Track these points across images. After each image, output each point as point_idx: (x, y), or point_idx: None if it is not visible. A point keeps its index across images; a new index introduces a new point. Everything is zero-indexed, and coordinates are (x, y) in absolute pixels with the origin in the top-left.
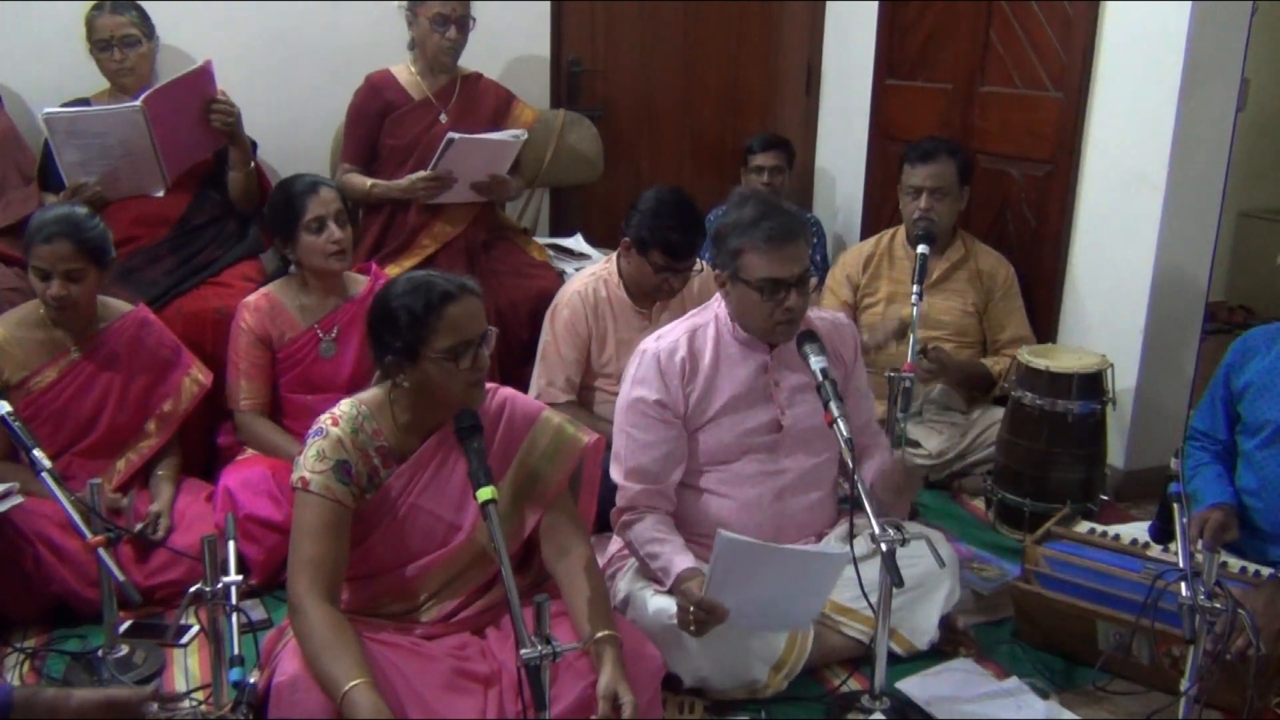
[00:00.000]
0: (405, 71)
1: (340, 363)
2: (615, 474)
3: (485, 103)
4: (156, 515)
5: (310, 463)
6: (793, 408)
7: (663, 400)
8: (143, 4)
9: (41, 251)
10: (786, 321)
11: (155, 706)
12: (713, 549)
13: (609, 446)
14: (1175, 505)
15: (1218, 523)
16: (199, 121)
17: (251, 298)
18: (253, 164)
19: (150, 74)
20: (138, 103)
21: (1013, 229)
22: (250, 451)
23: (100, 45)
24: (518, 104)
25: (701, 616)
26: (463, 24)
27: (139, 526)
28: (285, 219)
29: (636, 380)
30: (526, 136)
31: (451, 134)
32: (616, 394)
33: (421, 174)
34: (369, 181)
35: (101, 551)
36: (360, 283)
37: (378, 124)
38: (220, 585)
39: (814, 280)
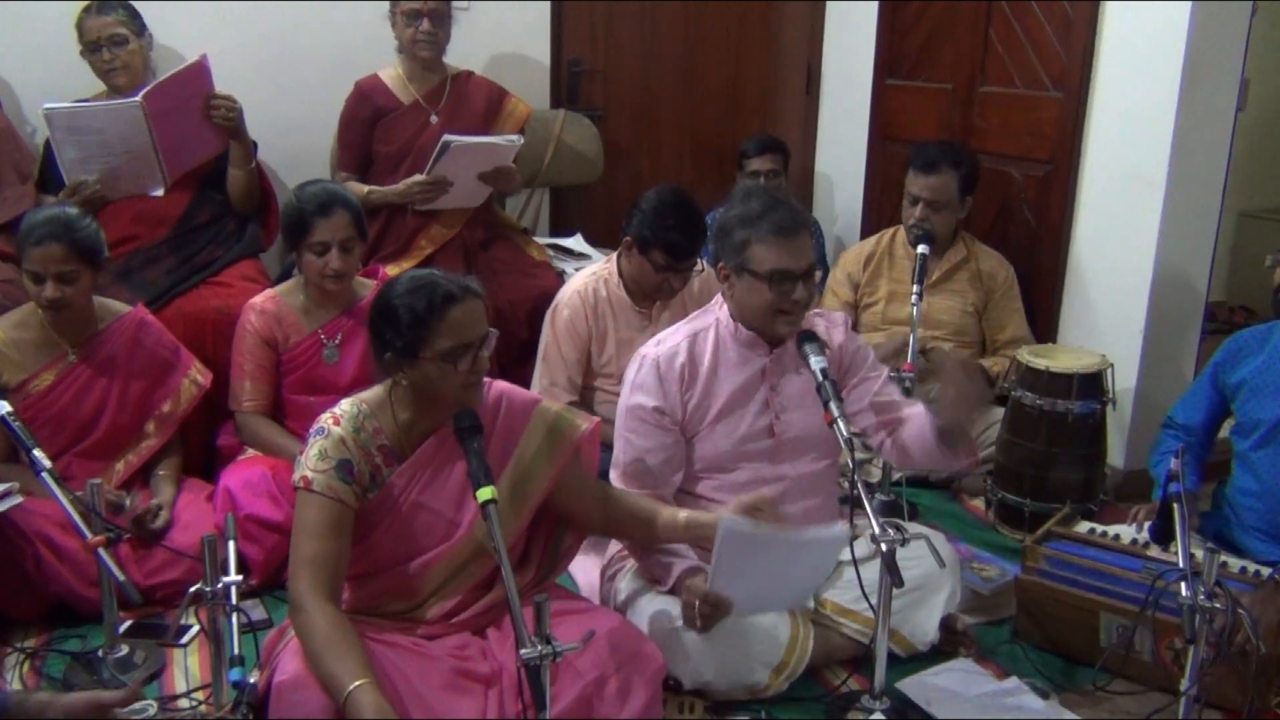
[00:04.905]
0: (394, 75)
1: (343, 367)
2: (615, 478)
3: (476, 101)
4: (158, 507)
5: (312, 462)
6: (789, 413)
7: (661, 407)
8: (135, 3)
9: (34, 255)
10: (790, 314)
11: (154, 706)
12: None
13: (608, 446)
14: (1175, 505)
15: (1153, 510)
16: (200, 121)
17: (258, 299)
18: (254, 163)
19: (144, 71)
20: (137, 98)
21: (1013, 229)
22: (251, 452)
23: (90, 47)
24: (510, 99)
25: (708, 611)
26: (436, 17)
27: (138, 511)
28: (294, 230)
29: (636, 386)
30: (523, 141)
31: (447, 137)
32: (616, 394)
33: (417, 178)
34: (365, 188)
35: (101, 551)
36: (367, 287)
37: (369, 130)
38: (220, 585)
39: (818, 274)
